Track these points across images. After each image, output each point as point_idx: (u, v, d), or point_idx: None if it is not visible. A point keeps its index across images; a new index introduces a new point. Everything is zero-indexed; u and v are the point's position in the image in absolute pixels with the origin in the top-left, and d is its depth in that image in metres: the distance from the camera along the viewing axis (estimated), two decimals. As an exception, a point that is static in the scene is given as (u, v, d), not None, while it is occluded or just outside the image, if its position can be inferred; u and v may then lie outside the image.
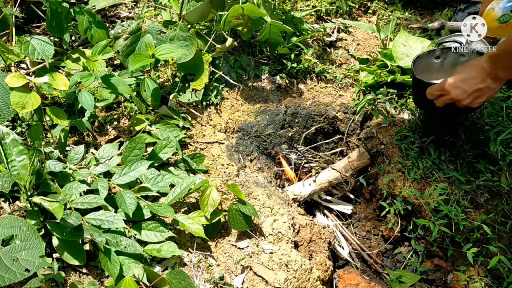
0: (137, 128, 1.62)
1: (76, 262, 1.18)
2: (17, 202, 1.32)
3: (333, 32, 2.35)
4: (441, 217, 1.63)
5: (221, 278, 1.28)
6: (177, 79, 1.84)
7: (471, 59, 1.48)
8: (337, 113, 2.10)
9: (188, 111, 1.81)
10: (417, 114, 1.92)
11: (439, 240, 1.66)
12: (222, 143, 1.77)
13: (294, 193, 1.83)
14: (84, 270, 1.21)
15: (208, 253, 1.36)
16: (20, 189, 1.24)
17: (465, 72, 1.44)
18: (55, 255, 1.20)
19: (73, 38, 1.94)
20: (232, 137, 1.86)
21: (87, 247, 1.24)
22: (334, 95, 2.14)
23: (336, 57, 2.25)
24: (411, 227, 1.71)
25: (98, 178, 1.35)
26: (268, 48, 2.05)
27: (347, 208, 1.96)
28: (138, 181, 1.42)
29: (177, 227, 1.36)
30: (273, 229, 1.49)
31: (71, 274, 1.20)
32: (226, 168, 1.67)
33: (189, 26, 1.78)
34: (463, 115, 1.71)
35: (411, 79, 1.99)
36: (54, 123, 1.40)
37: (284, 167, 1.99)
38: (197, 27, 1.99)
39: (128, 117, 1.74)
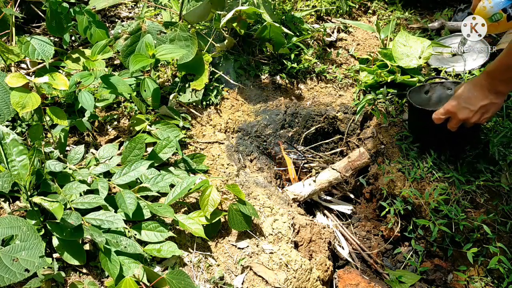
0: (137, 128, 1.62)
1: (76, 262, 1.18)
2: (17, 202, 1.32)
3: (333, 32, 2.35)
4: (441, 217, 1.63)
5: (221, 278, 1.28)
6: (177, 79, 1.84)
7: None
8: (337, 113, 2.10)
9: (188, 111, 1.81)
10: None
11: (439, 240, 1.66)
12: (222, 143, 1.77)
13: (294, 193, 1.83)
14: (84, 270, 1.21)
15: (208, 253, 1.36)
16: (20, 189, 1.24)
17: (466, 91, 1.47)
18: (55, 255, 1.20)
19: (73, 38, 1.94)
20: (232, 137, 1.86)
21: (87, 247, 1.24)
22: (334, 95, 2.14)
23: (336, 57, 2.25)
24: (411, 227, 1.71)
25: (98, 178, 1.35)
26: (268, 48, 2.05)
27: (347, 208, 1.96)
28: (138, 181, 1.42)
29: (177, 227, 1.36)
30: (273, 229, 1.49)
31: (71, 274, 1.20)
32: (226, 168, 1.67)
33: (189, 26, 1.77)
34: (470, 135, 1.70)
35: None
36: (54, 123, 1.40)
37: (288, 165, 1.98)
38: (197, 27, 1.99)
39: (128, 117, 1.74)
